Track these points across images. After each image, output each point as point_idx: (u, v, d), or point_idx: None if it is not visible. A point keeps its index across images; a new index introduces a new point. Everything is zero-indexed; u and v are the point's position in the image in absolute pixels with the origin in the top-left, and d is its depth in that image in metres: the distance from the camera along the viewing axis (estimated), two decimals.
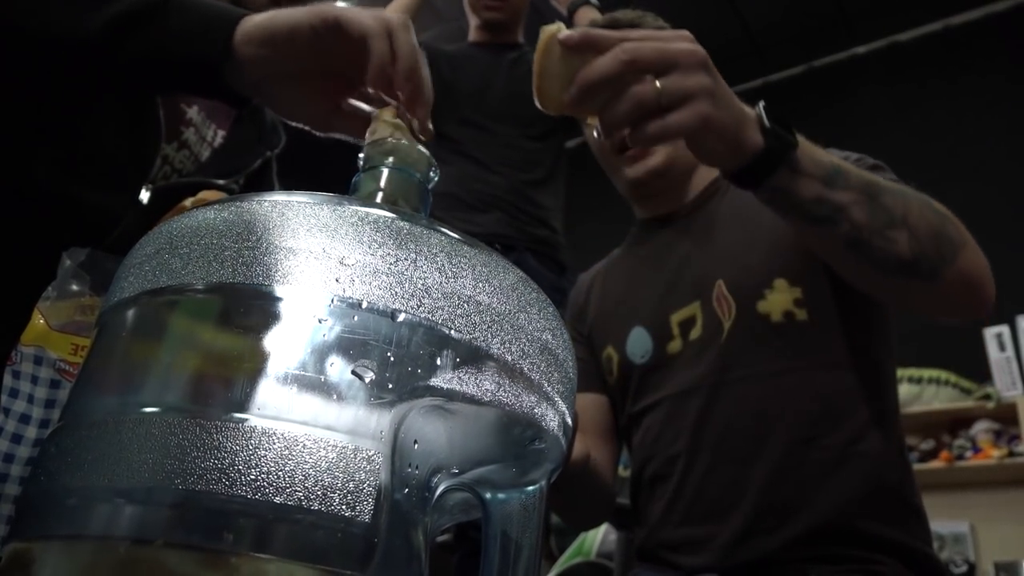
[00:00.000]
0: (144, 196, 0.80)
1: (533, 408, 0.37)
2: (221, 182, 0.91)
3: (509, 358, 0.36)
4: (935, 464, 3.08)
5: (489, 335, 0.35)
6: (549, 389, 0.38)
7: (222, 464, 0.29)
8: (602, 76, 0.59)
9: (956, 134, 3.85)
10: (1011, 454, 3.06)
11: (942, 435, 3.27)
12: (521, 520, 0.41)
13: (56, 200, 0.70)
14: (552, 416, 0.39)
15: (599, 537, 1.66)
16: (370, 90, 0.57)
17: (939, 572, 0.85)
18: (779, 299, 0.91)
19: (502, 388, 0.36)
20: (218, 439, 0.30)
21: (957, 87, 3.95)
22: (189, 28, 0.59)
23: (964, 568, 2.94)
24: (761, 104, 0.70)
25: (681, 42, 0.62)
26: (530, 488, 0.42)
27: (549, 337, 0.39)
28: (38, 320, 0.52)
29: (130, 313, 0.36)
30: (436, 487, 0.38)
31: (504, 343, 0.36)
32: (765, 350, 0.91)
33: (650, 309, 1.02)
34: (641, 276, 1.08)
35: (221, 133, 0.97)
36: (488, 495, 0.42)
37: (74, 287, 0.51)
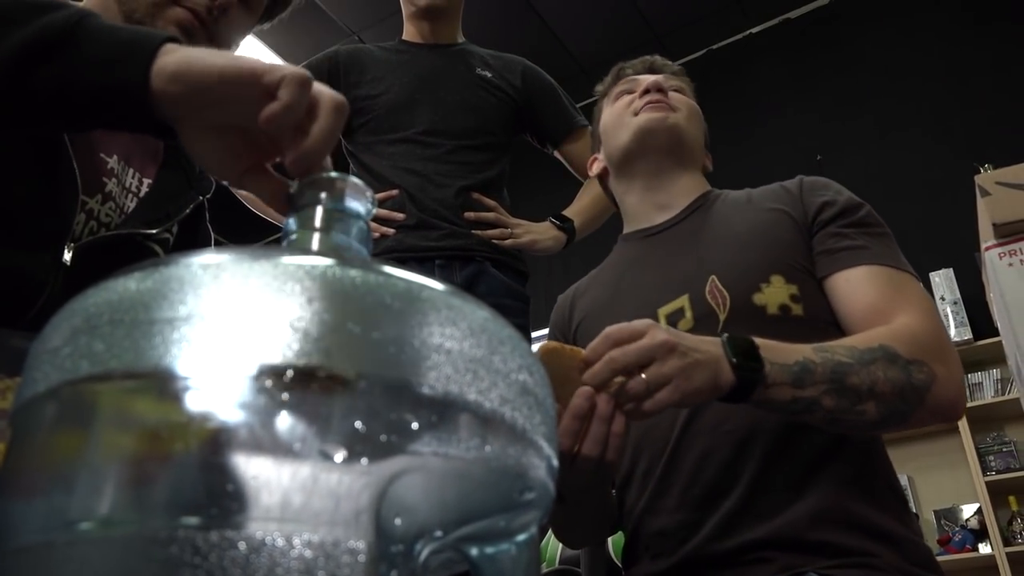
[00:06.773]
0: (67, 256, 0.73)
1: (520, 458, 0.34)
2: (153, 231, 0.84)
3: (489, 407, 0.33)
4: None
5: (464, 385, 0.32)
6: (534, 434, 0.35)
7: None
8: (598, 383, 0.74)
9: (852, 103, 3.99)
10: None
11: None
12: (514, 572, 0.38)
13: None
14: (539, 463, 0.35)
15: (560, 545, 1.64)
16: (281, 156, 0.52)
17: (930, 560, 0.86)
18: (776, 292, 0.94)
19: (486, 442, 0.32)
20: (172, 553, 0.25)
21: (849, 57, 4.10)
22: (107, 53, 0.54)
23: None
24: (725, 337, 0.79)
25: (655, 337, 0.74)
26: (520, 537, 0.38)
27: (527, 376, 0.36)
28: None
29: (49, 409, 0.31)
30: (419, 554, 0.35)
31: (482, 392, 0.33)
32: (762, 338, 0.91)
33: (637, 306, 1.02)
34: (628, 281, 1.09)
35: (147, 181, 0.90)
36: (475, 552, 0.38)
37: None
